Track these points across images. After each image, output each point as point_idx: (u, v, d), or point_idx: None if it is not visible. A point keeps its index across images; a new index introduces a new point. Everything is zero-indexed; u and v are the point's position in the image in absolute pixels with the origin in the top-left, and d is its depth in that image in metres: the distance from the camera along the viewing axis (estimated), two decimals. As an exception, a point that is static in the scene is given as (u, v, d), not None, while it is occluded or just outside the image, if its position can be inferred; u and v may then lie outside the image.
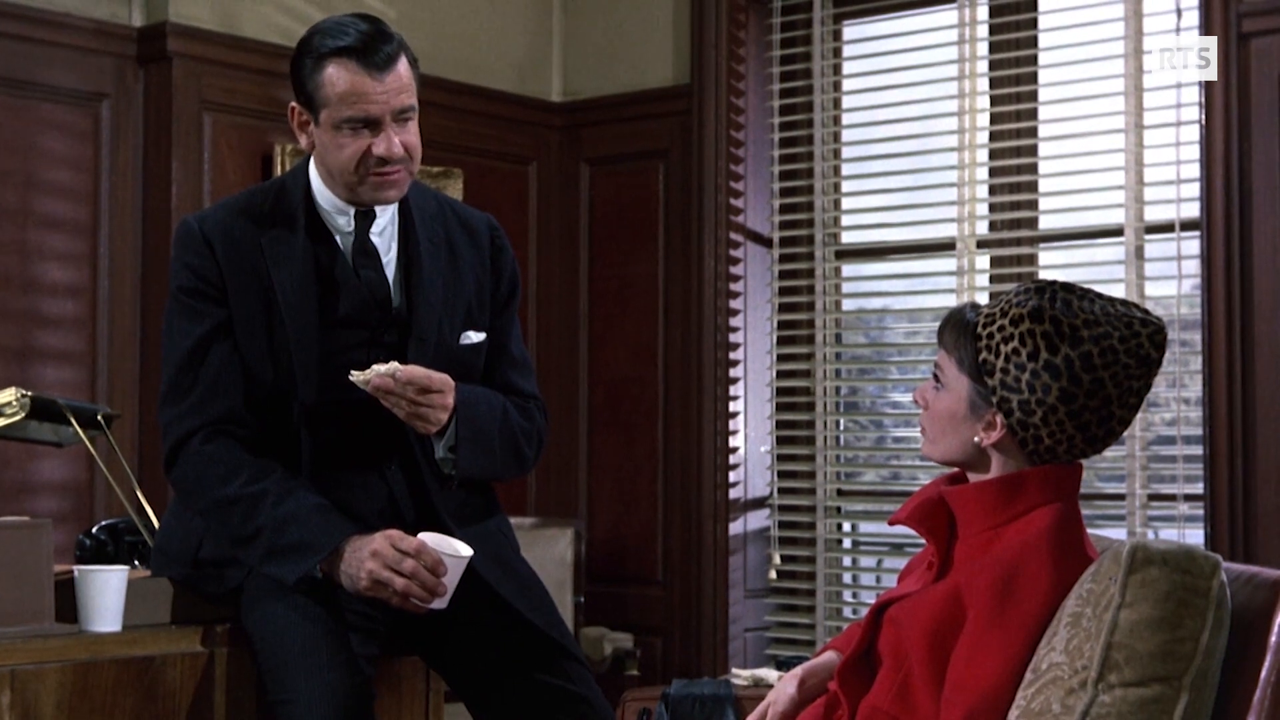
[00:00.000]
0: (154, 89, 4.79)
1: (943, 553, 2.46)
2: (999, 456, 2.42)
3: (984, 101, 5.11)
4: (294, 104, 2.82)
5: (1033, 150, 5.06)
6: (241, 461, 2.74)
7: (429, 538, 2.67)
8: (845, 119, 5.44)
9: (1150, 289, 4.78)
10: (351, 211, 2.84)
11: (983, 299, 4.97)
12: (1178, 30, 4.66)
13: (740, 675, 4.77)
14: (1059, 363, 2.34)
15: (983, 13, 5.11)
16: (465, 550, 2.69)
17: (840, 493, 5.41)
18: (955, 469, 2.51)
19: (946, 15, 5.20)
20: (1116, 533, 4.47)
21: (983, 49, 5.10)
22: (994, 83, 5.10)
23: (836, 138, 5.44)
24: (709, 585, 5.37)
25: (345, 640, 2.68)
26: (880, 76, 5.34)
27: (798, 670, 2.58)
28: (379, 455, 2.84)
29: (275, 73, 4.54)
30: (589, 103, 5.73)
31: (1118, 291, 4.59)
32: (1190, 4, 4.62)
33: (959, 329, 2.44)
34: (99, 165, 4.72)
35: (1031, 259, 5.06)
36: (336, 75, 2.74)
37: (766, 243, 5.50)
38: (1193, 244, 4.63)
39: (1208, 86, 4.52)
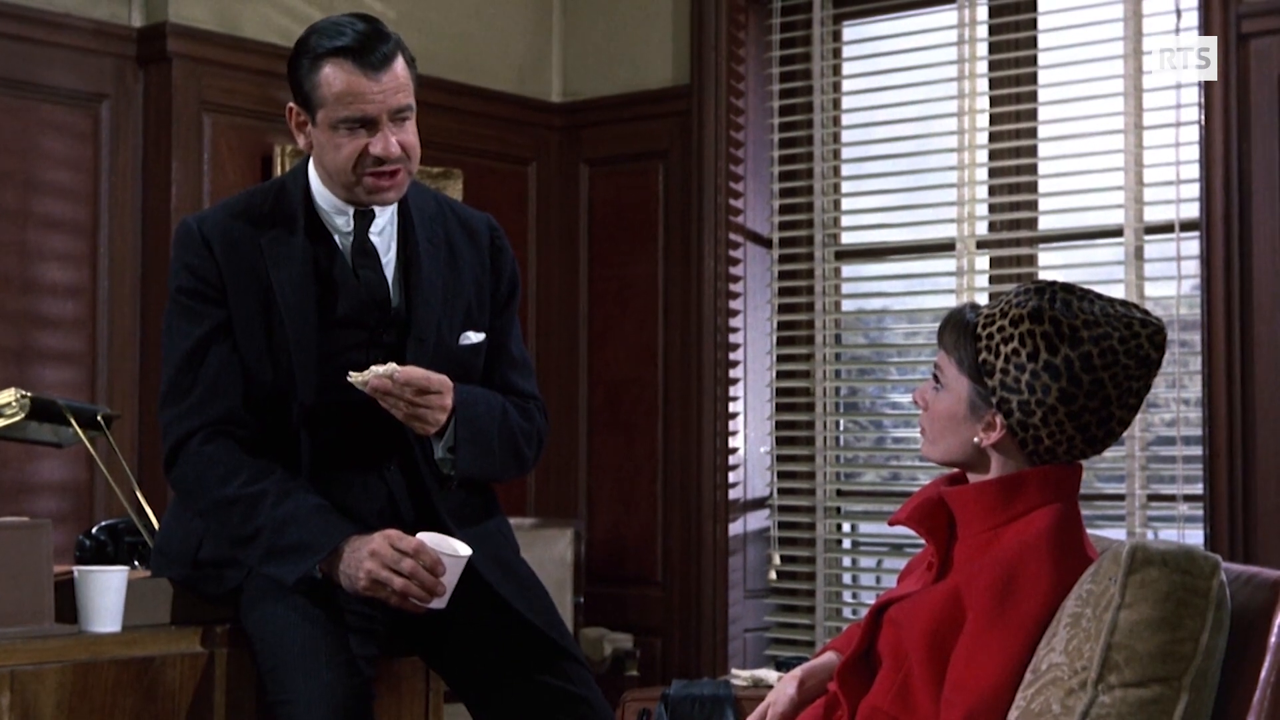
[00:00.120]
0: (154, 89, 4.79)
1: (942, 553, 2.46)
2: (999, 457, 2.42)
3: (984, 102, 5.10)
4: (292, 104, 2.82)
5: (1032, 150, 5.06)
6: (241, 462, 2.74)
7: (428, 537, 2.67)
8: (845, 119, 5.44)
9: (1150, 289, 4.78)
10: (350, 212, 2.84)
11: (982, 299, 4.97)
12: (1177, 30, 4.66)
13: (740, 676, 4.77)
14: (1059, 363, 2.34)
15: (982, 13, 5.11)
16: (464, 550, 2.69)
17: (840, 493, 5.41)
18: (955, 469, 2.51)
19: (946, 15, 5.20)
20: (1116, 533, 4.47)
21: (982, 49, 5.10)
22: (994, 83, 5.10)
23: (836, 138, 5.44)
24: (709, 586, 5.36)
25: (344, 641, 2.68)
26: (880, 77, 5.34)
27: (797, 671, 2.58)
28: (378, 456, 2.84)
29: (275, 73, 4.51)
30: (589, 103, 5.73)
31: (1117, 292, 4.60)
32: (1190, 4, 4.62)
33: (959, 329, 2.44)
34: (99, 166, 4.72)
35: (1031, 259, 5.05)
36: (333, 75, 2.73)
37: (766, 243, 5.50)
38: (1192, 244, 4.63)
39: (1207, 87, 4.52)
